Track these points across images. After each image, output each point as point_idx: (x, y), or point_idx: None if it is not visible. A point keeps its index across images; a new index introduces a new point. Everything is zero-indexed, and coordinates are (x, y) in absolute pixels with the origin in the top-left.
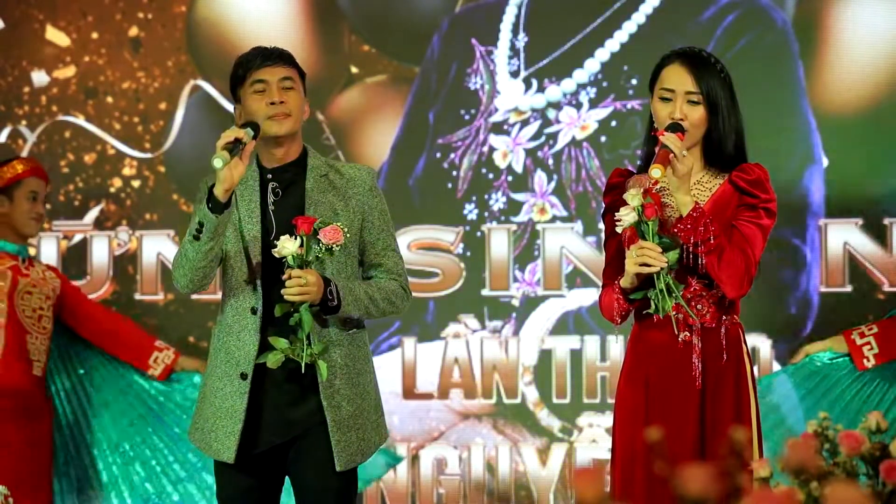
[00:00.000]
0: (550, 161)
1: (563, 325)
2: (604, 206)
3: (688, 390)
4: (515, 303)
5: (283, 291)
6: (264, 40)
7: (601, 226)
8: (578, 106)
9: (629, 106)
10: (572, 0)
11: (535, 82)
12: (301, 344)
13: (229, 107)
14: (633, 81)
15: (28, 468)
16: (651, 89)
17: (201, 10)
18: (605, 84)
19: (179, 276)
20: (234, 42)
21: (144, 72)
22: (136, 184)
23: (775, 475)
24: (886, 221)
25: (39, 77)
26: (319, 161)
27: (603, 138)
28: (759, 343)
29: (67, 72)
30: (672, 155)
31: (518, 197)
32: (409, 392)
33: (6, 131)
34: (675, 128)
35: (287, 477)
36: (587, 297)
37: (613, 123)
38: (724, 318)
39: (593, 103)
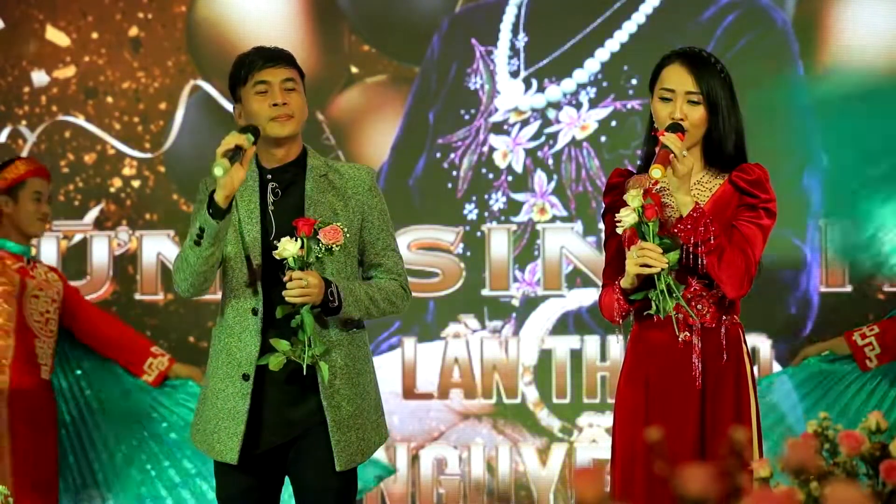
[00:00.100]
0: (550, 161)
1: (563, 325)
2: (604, 206)
3: (688, 390)
4: (515, 303)
5: (284, 293)
6: (264, 40)
7: (601, 226)
8: (578, 106)
9: (629, 106)
10: (572, 0)
11: (535, 82)
12: (302, 345)
13: (229, 107)
14: (633, 81)
15: (37, 471)
16: (651, 89)
17: (201, 10)
18: (605, 84)
19: (180, 280)
20: (234, 42)
21: (144, 72)
22: (136, 184)
23: (775, 475)
24: None
25: (39, 77)
26: (319, 161)
27: (603, 138)
28: (759, 343)
29: (67, 72)
30: (672, 155)
31: (518, 197)
32: (409, 392)
33: (6, 131)
34: (676, 128)
35: (287, 477)
36: (587, 297)
37: (613, 123)
38: (724, 318)
39: (593, 103)
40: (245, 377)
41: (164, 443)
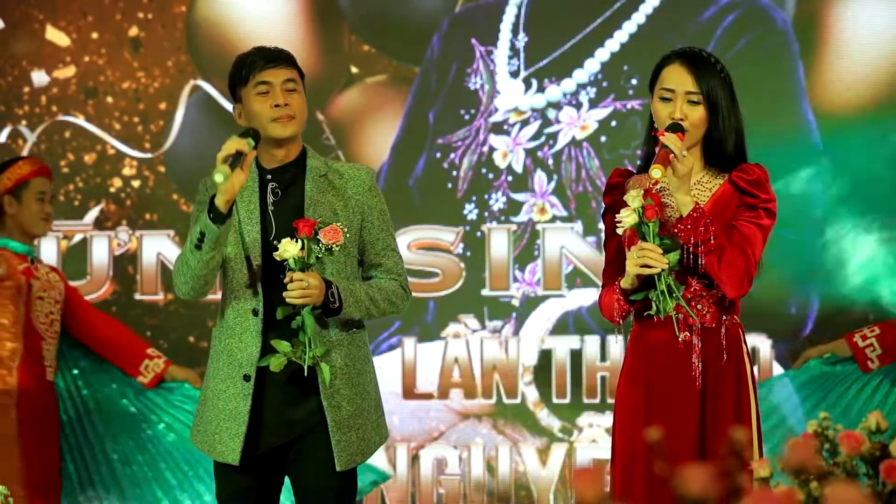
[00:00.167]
0: (550, 161)
1: (563, 325)
2: (604, 206)
3: (688, 390)
4: (515, 303)
5: (284, 294)
6: (264, 40)
7: (601, 226)
8: (578, 106)
9: (629, 106)
10: (572, 0)
11: (535, 82)
12: (303, 346)
13: (229, 107)
14: (633, 81)
15: (41, 471)
16: (651, 89)
17: (201, 10)
18: (605, 84)
19: (181, 283)
20: (234, 42)
21: (144, 72)
22: (136, 184)
23: (775, 475)
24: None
25: (39, 77)
26: (318, 161)
27: (603, 138)
28: (759, 343)
29: (67, 72)
30: (672, 155)
31: (518, 197)
32: (409, 392)
33: (6, 131)
34: (676, 128)
35: (287, 477)
36: (587, 297)
37: (613, 123)
38: (724, 318)
39: (593, 103)
40: (246, 378)
41: (161, 444)
